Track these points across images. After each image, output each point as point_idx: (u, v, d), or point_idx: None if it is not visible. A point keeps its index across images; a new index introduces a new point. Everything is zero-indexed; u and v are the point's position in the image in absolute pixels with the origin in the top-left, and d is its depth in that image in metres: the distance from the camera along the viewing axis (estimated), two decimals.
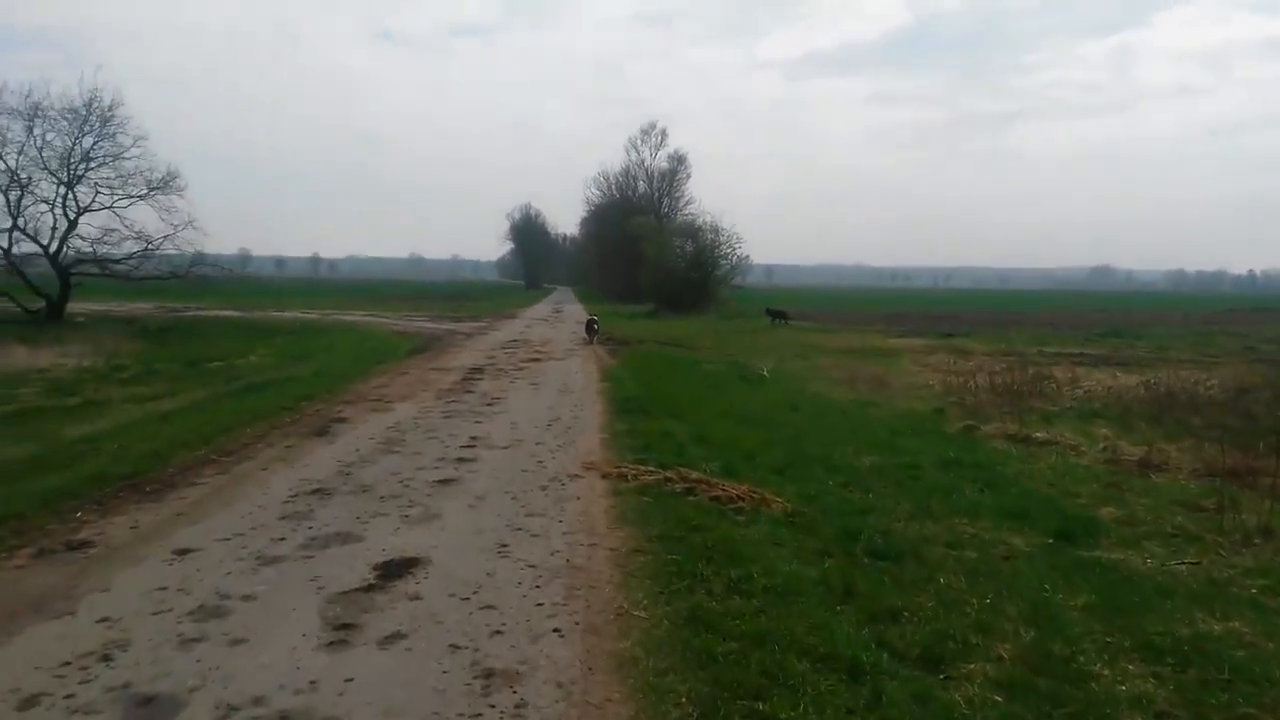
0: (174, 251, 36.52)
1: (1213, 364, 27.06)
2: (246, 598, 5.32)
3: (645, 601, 5.29)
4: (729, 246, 54.13)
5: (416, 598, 5.31)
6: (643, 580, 5.67)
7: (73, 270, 35.62)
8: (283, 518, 7.04)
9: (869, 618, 5.36)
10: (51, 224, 35.59)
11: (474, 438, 10.63)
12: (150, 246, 35.54)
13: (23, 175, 34.88)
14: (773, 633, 4.88)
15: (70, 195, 35.52)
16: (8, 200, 34.93)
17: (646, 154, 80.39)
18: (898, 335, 38.45)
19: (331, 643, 4.69)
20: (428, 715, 3.97)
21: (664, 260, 53.48)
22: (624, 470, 8.71)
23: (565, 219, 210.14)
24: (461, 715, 3.98)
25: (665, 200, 78.44)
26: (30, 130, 34.80)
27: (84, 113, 35.18)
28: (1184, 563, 7.20)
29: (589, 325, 30.60)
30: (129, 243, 35.95)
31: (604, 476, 8.58)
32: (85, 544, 6.36)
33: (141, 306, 42.64)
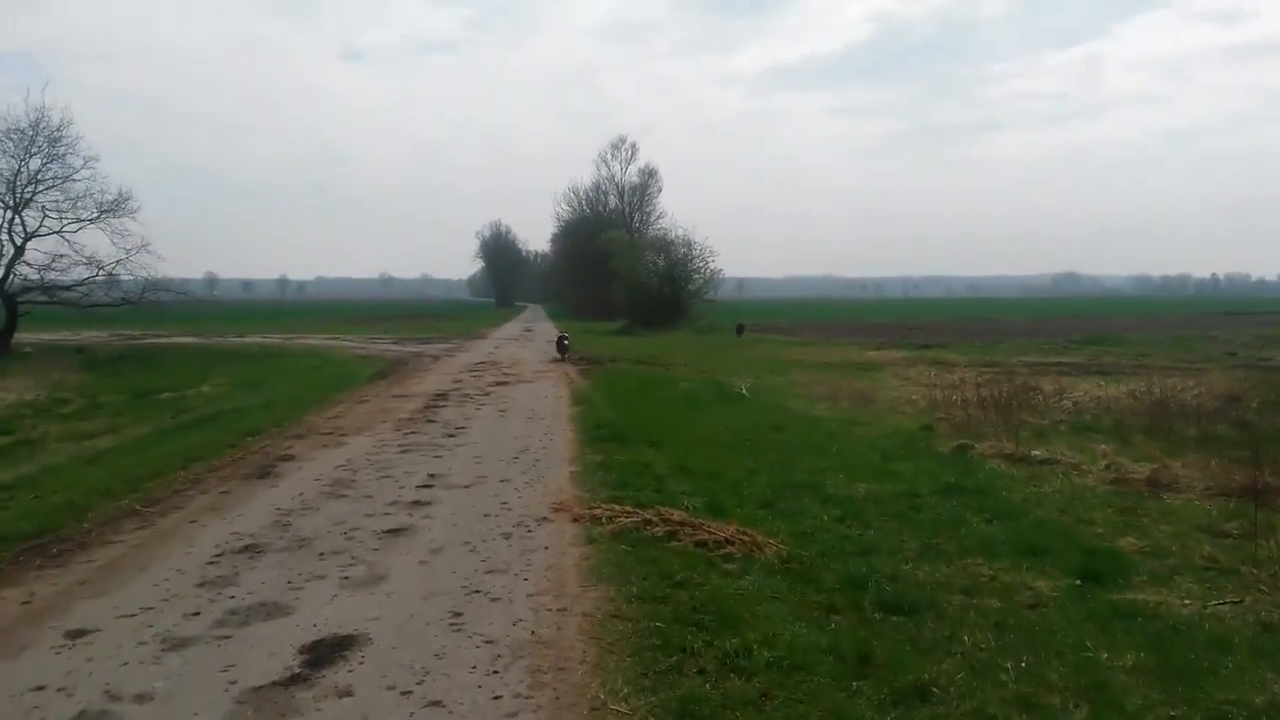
0: (127, 276, 35.10)
1: (1195, 370, 26.62)
2: (140, 698, 4.36)
3: (626, 690, 4.38)
4: (702, 260, 53.47)
5: (347, 693, 4.36)
6: (622, 658, 4.76)
7: (19, 299, 34.11)
8: (202, 584, 6.07)
9: (892, 697, 4.49)
10: None
11: (432, 475, 9.69)
12: (102, 272, 34.14)
13: None
14: None
15: (17, 219, 34.08)
16: None
17: (617, 168, 79.88)
18: (875, 347, 37.83)
19: None
20: None
21: (636, 275, 52.70)
22: (598, 511, 7.81)
23: (536, 236, 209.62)
24: None
25: (636, 215, 77.86)
26: None
27: (30, 133, 33.80)
28: (1225, 602, 6.42)
29: (560, 342, 29.71)
30: (79, 268, 34.53)
31: (575, 520, 7.68)
32: None
33: (96, 335, 41.20)
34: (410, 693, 4.36)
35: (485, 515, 7.91)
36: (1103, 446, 13.45)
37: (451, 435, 12.50)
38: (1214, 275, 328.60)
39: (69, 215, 34.38)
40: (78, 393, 21.61)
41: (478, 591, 5.84)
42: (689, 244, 53.58)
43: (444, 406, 15.64)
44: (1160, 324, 58.59)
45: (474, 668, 4.65)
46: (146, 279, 34.96)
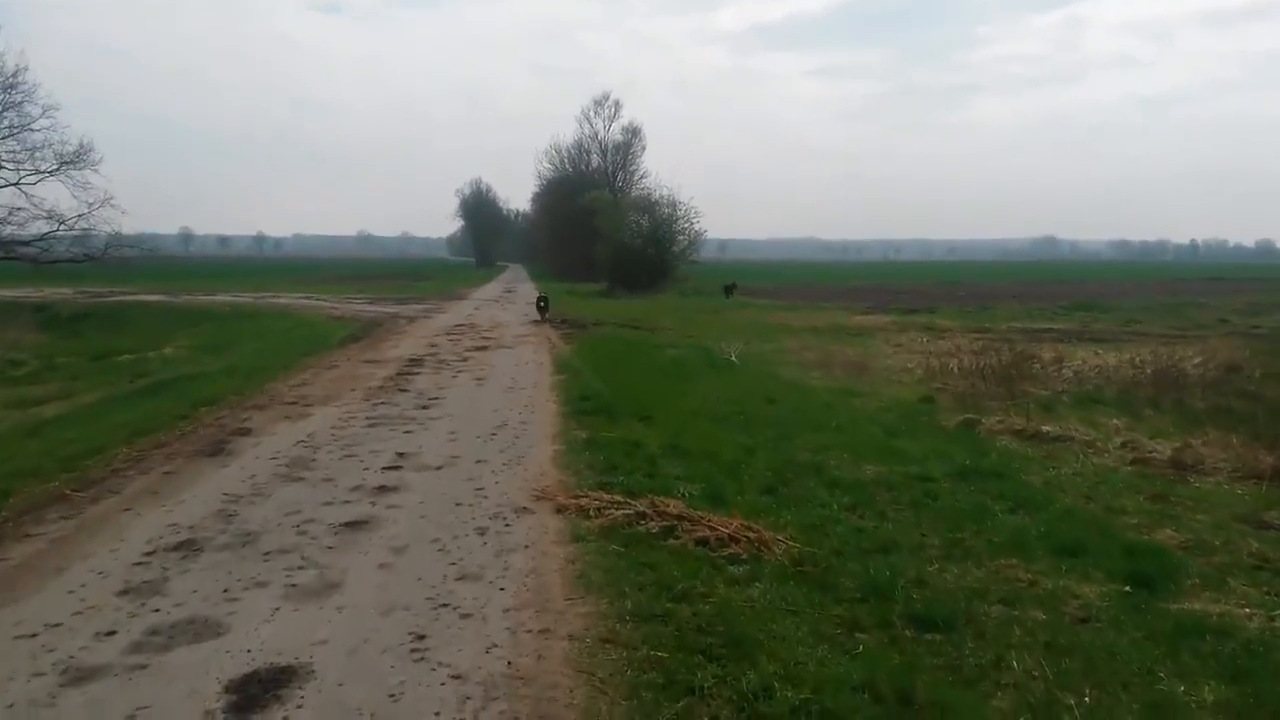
0: (90, 231, 33.60)
1: (1189, 338, 26.10)
2: None
3: None
4: (686, 221, 52.26)
5: None
6: (616, 700, 3.94)
7: None
8: (125, 592, 5.19)
9: None
10: None
11: (401, 454, 8.80)
12: (62, 226, 32.66)
13: None
14: None
15: None
16: None
17: (600, 126, 78.02)
18: (862, 312, 37.07)
19: None
20: None
21: (619, 236, 51.50)
22: (585, 501, 6.96)
23: (517, 195, 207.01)
24: None
25: (620, 174, 76.21)
26: None
27: None
28: None
29: (539, 303, 28.86)
30: (39, 223, 33.03)
31: (560, 510, 6.83)
32: None
33: (61, 292, 39.77)
34: None
35: (458, 504, 7.05)
36: (1115, 421, 12.79)
37: (424, 407, 11.60)
38: (1192, 241, 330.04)
39: (27, 166, 32.84)
40: (33, 354, 20.59)
41: (446, 605, 4.99)
42: (673, 204, 52.31)
43: (418, 374, 14.71)
44: (1145, 289, 58.16)
45: (437, 714, 3.82)
46: (109, 234, 33.51)
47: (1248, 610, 5.69)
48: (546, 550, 5.94)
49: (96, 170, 33.46)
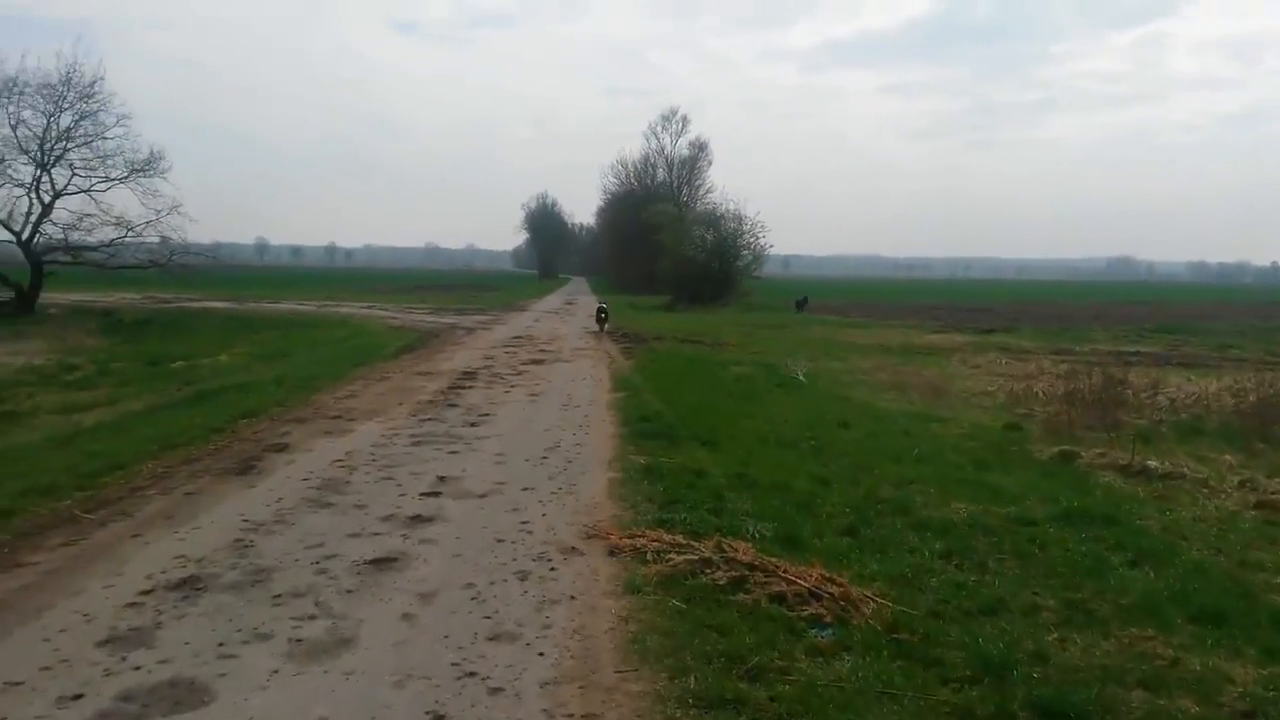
0: (156, 239, 33.97)
1: None
2: None
3: None
4: (752, 235, 51.19)
5: None
6: None
7: (45, 258, 33.12)
8: (106, 642, 4.47)
9: None
10: (26, 209, 33.13)
11: (442, 478, 8.05)
12: (130, 233, 33.02)
13: None
14: None
15: (45, 177, 33.04)
16: None
17: (667, 141, 77.69)
18: (934, 330, 35.63)
19: None
20: None
21: (683, 250, 50.65)
22: (641, 541, 6.10)
23: (581, 210, 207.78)
24: None
25: (685, 189, 75.71)
26: (4, 107, 32.38)
27: (62, 89, 32.70)
28: None
29: (599, 313, 28.34)
30: (107, 228, 33.46)
31: (613, 552, 5.98)
32: None
33: (128, 297, 40.30)
34: None
35: (499, 540, 6.25)
36: (1226, 457, 11.59)
37: (473, 424, 10.87)
38: (1274, 263, 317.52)
39: (98, 174, 33.33)
40: (89, 358, 20.48)
41: (473, 674, 4.16)
42: (739, 219, 51.27)
43: (470, 388, 14.03)
44: (1233, 311, 55.43)
45: None
46: (176, 241, 33.79)
47: None
48: (596, 604, 5.09)
49: (165, 178, 33.89)
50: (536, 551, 6.01)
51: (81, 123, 33.11)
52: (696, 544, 6.03)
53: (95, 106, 33.12)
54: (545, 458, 9.05)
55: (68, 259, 33.58)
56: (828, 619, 5.03)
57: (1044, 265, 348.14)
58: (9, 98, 32.21)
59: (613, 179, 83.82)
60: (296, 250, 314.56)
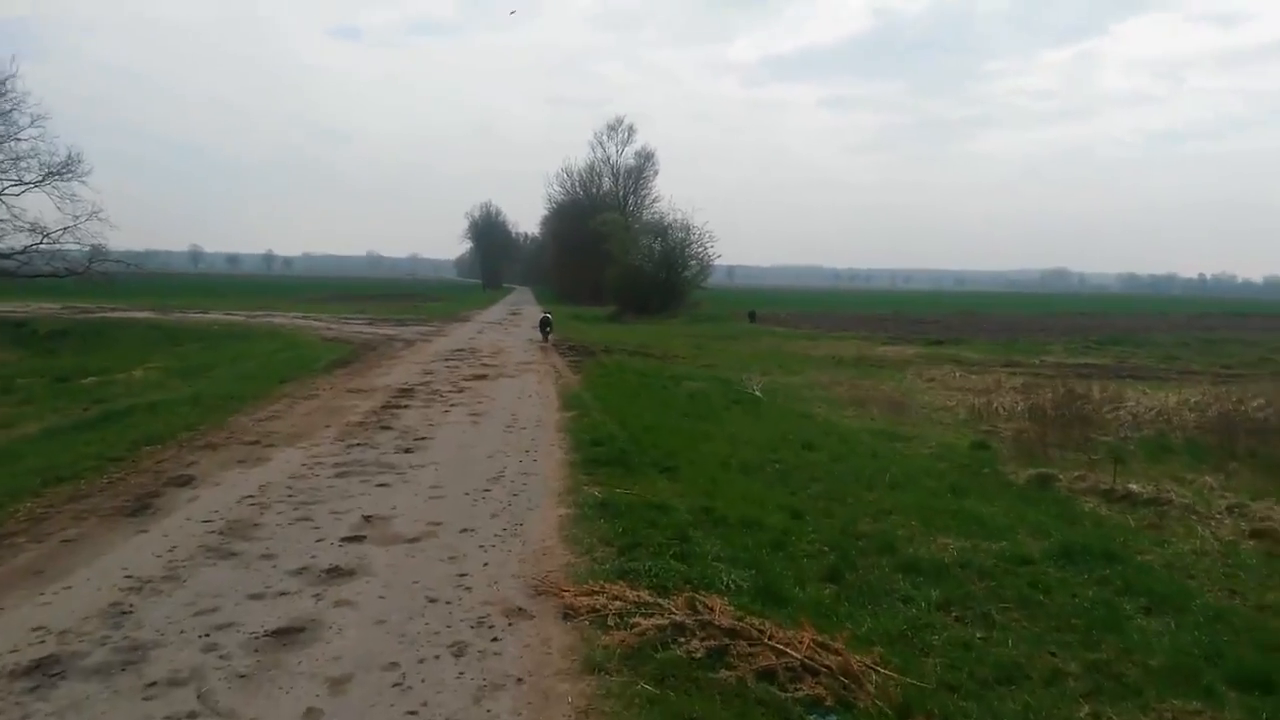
0: (74, 245, 32.01)
1: (1240, 377, 24.39)
2: None
3: None
4: (700, 245, 50.56)
5: None
6: None
7: None
8: None
9: None
10: None
11: (368, 518, 7.04)
12: (46, 239, 31.05)
13: None
14: None
15: None
16: None
17: (613, 150, 76.74)
18: (883, 342, 35.27)
19: None
20: None
21: (630, 259, 49.84)
22: (601, 600, 5.18)
23: (526, 218, 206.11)
24: None
25: (631, 198, 74.84)
26: None
27: None
28: None
29: (543, 324, 27.58)
30: (20, 235, 31.43)
31: (568, 615, 5.05)
32: None
33: (46, 307, 38.13)
34: None
35: (431, 600, 5.28)
36: (1206, 479, 11.10)
37: (408, 450, 9.85)
38: (1200, 275, 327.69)
39: (10, 176, 31.32)
40: None
41: None
42: (687, 228, 50.61)
43: (406, 407, 12.96)
44: (1171, 323, 56.29)
45: None
46: (92, 248, 31.88)
47: None
48: (549, 688, 4.16)
49: (84, 182, 32.04)
50: (476, 614, 5.06)
51: None
52: (665, 603, 5.13)
53: (7, 105, 31.21)
54: (488, 490, 8.08)
55: None
56: (828, 701, 4.19)
57: (981, 276, 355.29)
58: None
59: (558, 188, 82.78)
60: (232, 258, 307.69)
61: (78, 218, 31.55)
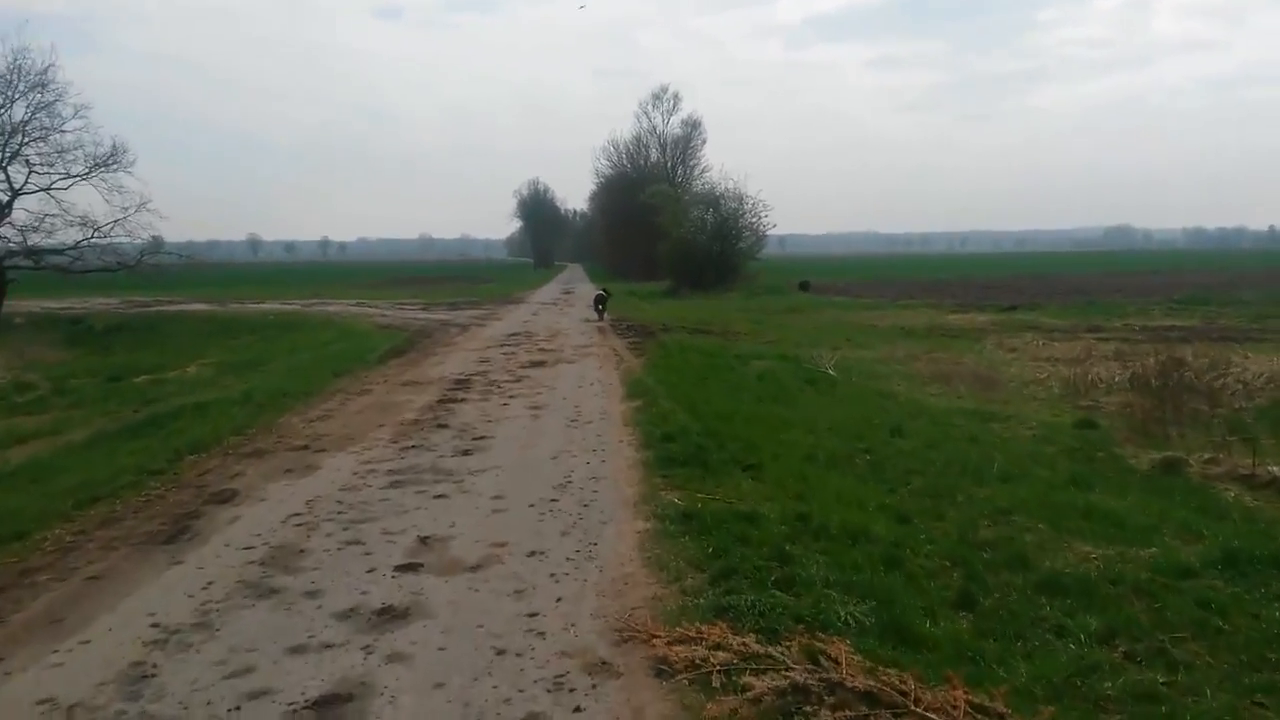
0: (125, 238, 31.78)
1: None
2: None
3: None
4: (754, 215, 49.03)
5: None
6: None
7: (6, 264, 30.88)
8: None
9: None
10: None
11: (424, 539, 6.27)
12: (96, 233, 30.85)
13: None
14: None
15: (2, 175, 30.81)
16: None
17: (659, 119, 75.35)
18: (952, 310, 33.77)
19: None
20: None
21: (683, 232, 48.61)
22: (699, 651, 4.33)
23: (575, 194, 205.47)
24: None
25: (680, 168, 73.50)
26: None
27: (10, 77, 30.36)
28: None
29: (597, 301, 26.81)
30: (71, 230, 31.18)
31: (661, 671, 4.21)
32: None
33: (104, 302, 38.33)
34: None
35: (498, 651, 4.47)
36: None
37: (466, 452, 9.09)
38: (1271, 228, 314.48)
39: (57, 169, 31.04)
40: (47, 374, 18.68)
41: None
42: (739, 198, 48.98)
43: (463, 401, 12.24)
44: (1251, 280, 53.44)
45: None
46: (145, 240, 31.65)
47: None
48: None
49: (130, 173, 31.77)
50: (552, 672, 4.23)
51: (37, 115, 30.86)
52: (777, 652, 4.26)
53: (50, 97, 30.84)
54: (555, 500, 7.26)
55: (29, 264, 31.37)
56: None
57: (1042, 236, 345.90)
58: None
59: (605, 161, 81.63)
60: (289, 246, 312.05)
61: (126, 210, 31.32)
